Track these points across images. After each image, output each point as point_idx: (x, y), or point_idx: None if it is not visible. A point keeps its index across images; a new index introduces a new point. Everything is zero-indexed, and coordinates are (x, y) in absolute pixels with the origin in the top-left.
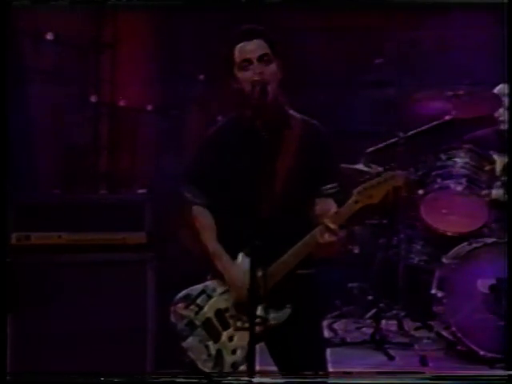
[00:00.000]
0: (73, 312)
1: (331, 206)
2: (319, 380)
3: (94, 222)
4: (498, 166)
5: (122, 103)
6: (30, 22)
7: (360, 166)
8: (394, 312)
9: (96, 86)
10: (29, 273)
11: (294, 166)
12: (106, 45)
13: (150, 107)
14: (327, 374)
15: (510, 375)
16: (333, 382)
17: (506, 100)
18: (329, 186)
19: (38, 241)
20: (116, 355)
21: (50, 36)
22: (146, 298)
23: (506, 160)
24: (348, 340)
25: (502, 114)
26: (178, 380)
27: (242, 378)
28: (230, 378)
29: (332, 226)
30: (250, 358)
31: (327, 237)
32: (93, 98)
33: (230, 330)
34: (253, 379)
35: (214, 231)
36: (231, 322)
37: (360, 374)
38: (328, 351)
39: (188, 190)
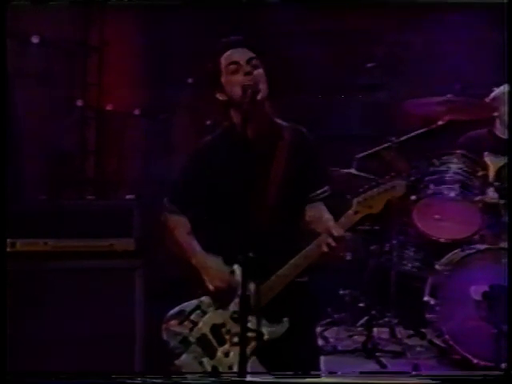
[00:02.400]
0: (60, 320)
1: (322, 211)
2: (310, 380)
3: (81, 228)
4: (492, 170)
5: (109, 107)
6: (16, 24)
7: (352, 171)
8: (386, 319)
9: (82, 89)
10: (14, 280)
11: (285, 176)
12: (92, 48)
13: (137, 111)
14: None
15: (510, 375)
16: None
17: (505, 101)
18: (319, 191)
19: (23, 247)
20: (104, 363)
21: (35, 39)
22: (134, 305)
23: (500, 163)
24: (339, 348)
25: (499, 116)
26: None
27: (233, 378)
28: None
29: (337, 233)
30: (241, 359)
31: (334, 244)
32: (79, 102)
33: (226, 346)
34: (244, 379)
35: (185, 227)
36: (227, 337)
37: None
38: None
39: (170, 201)
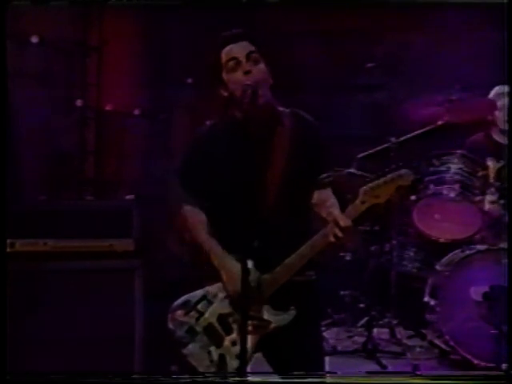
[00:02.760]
0: (59, 320)
1: (329, 196)
2: (313, 380)
3: (80, 228)
4: (492, 171)
5: (108, 107)
6: (15, 24)
7: (352, 171)
8: (386, 320)
9: (82, 89)
10: (13, 281)
11: (289, 163)
12: (92, 48)
13: (137, 111)
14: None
15: (510, 375)
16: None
17: (503, 101)
18: (323, 176)
19: (23, 248)
20: (103, 363)
21: (34, 39)
22: (133, 305)
23: (500, 164)
24: (339, 349)
25: (498, 116)
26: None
27: (233, 378)
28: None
29: (344, 223)
30: (242, 357)
31: (340, 234)
32: (79, 102)
33: (234, 335)
34: (246, 378)
35: (204, 225)
36: (234, 326)
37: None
38: None
39: (179, 189)
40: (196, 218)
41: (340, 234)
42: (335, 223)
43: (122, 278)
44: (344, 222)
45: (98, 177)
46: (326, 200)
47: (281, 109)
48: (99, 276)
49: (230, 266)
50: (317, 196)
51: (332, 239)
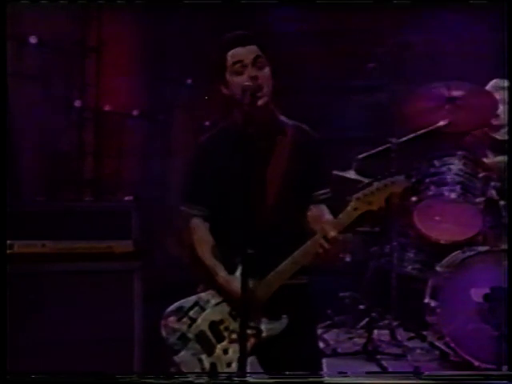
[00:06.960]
0: (57, 322)
1: (324, 212)
2: (313, 380)
3: (79, 230)
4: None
5: (107, 108)
6: (13, 24)
7: (351, 173)
8: (387, 322)
9: (80, 90)
10: (12, 282)
11: (286, 173)
12: (90, 48)
13: (136, 112)
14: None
15: (510, 375)
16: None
17: (501, 95)
18: (321, 191)
19: (21, 249)
20: (102, 364)
21: (33, 39)
22: (132, 307)
23: (502, 161)
24: (339, 350)
25: (500, 114)
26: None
27: (234, 379)
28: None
29: (331, 234)
30: (241, 358)
31: (326, 246)
32: (77, 103)
33: (225, 343)
34: (244, 379)
35: (210, 245)
36: (226, 334)
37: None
38: None
39: (184, 203)
40: (202, 235)
41: (326, 246)
42: (323, 234)
43: (121, 279)
44: (331, 233)
45: (97, 178)
46: (321, 216)
47: (283, 119)
48: (98, 277)
49: (233, 286)
50: (312, 212)
51: (319, 250)
